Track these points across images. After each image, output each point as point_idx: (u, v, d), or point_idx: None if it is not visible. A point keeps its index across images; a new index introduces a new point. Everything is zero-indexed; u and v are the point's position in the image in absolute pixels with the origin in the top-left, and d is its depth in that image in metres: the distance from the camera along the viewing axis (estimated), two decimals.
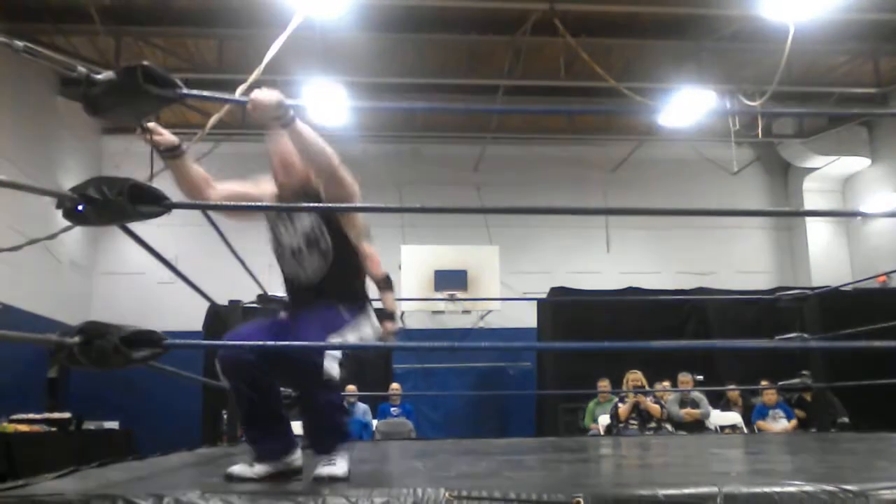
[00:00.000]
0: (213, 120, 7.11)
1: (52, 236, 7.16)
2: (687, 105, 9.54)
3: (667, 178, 11.95)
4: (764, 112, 10.47)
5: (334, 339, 2.53)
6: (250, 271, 4.52)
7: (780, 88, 8.78)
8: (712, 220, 11.48)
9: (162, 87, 2.46)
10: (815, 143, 11.55)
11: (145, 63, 2.58)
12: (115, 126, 10.50)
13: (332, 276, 2.68)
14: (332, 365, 2.52)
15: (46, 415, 7.84)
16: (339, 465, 2.51)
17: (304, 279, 2.71)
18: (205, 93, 2.55)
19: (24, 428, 7.11)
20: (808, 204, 11.97)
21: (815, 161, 11.71)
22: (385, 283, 4.44)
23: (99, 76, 2.28)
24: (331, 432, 2.58)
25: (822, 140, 11.50)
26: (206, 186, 2.69)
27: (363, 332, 2.70)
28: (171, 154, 2.60)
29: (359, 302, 2.75)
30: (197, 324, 8.15)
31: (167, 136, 2.59)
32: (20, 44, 2.02)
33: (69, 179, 10.12)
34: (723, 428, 7.88)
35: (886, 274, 9.54)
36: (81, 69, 2.20)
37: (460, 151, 11.97)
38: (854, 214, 13.38)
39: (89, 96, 2.39)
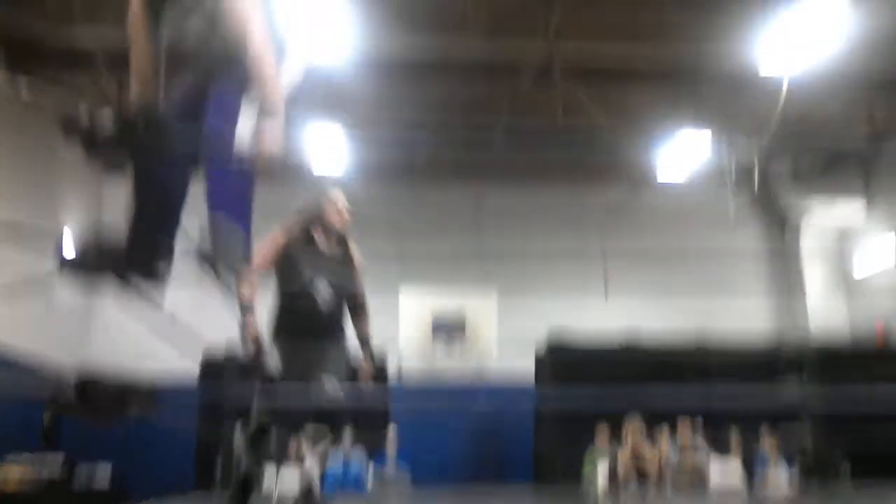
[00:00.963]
0: None
1: (49, 275, 7.14)
2: (684, 151, 9.62)
3: (664, 223, 11.98)
4: (759, 157, 10.55)
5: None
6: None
7: (776, 136, 8.87)
8: (712, 265, 11.50)
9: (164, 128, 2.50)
10: (811, 190, 11.61)
11: (147, 106, 2.61)
12: (117, 166, 10.54)
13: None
14: (245, 135, 2.45)
15: (39, 455, 7.73)
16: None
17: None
18: None
19: (14, 475, 7.02)
20: (806, 251, 11.99)
21: (812, 208, 11.76)
22: (359, 308, 4.38)
23: (102, 120, 2.31)
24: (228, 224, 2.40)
25: (819, 187, 11.57)
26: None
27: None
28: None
29: None
30: (194, 367, 8.11)
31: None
32: (26, 88, 2.05)
33: (70, 220, 10.15)
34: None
35: (886, 331, 9.53)
36: (84, 113, 2.23)
37: (458, 194, 12.01)
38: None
39: (91, 140, 2.42)
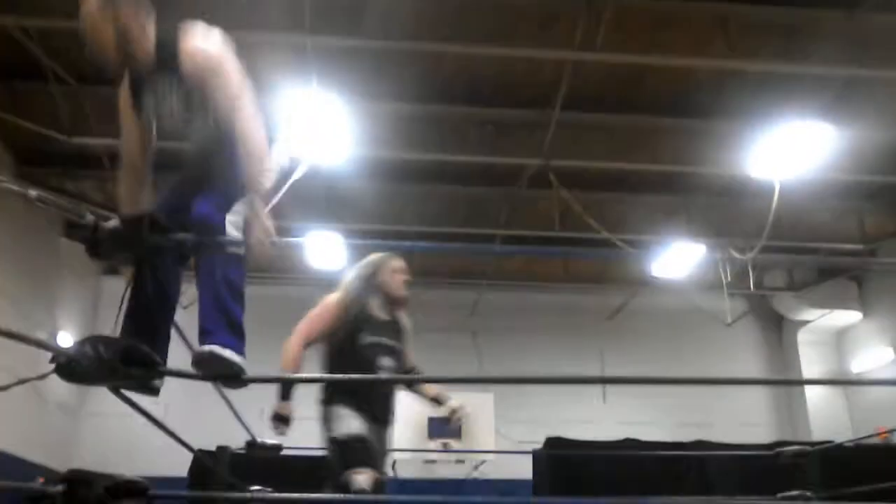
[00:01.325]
0: None
1: (42, 377, 7.09)
2: (679, 257, 9.73)
3: (662, 328, 12.00)
4: (754, 265, 10.66)
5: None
6: (240, 418, 4.45)
7: (769, 243, 8.99)
8: (710, 372, 11.45)
9: (164, 235, 2.56)
10: (806, 296, 11.69)
11: (153, 212, 2.68)
12: (115, 267, 10.65)
13: None
14: (234, 228, 2.40)
15: None
16: (227, 353, 2.27)
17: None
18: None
19: None
20: (804, 357, 11.97)
21: (808, 314, 11.81)
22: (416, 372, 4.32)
23: (107, 224, 2.37)
24: (221, 318, 2.34)
25: (813, 293, 11.64)
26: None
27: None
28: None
29: None
30: (184, 468, 7.92)
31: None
32: (34, 193, 2.11)
33: (68, 319, 10.14)
34: None
35: (889, 432, 9.39)
36: (90, 216, 2.29)
37: (457, 297, 12.07)
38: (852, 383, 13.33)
39: (94, 241, 2.47)
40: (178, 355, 2.82)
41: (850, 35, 6.73)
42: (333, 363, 3.96)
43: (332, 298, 4.07)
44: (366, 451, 3.68)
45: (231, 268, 2.44)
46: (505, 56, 7.17)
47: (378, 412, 3.88)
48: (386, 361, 4.00)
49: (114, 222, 2.52)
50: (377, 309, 4.08)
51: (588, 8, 6.46)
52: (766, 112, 7.51)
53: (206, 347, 2.29)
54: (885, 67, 6.90)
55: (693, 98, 7.94)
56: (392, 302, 4.15)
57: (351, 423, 3.71)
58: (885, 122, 8.03)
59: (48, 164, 8.70)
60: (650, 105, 8.06)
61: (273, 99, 6.90)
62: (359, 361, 3.86)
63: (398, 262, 4.23)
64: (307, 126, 6.96)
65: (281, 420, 3.79)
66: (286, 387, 3.84)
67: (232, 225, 2.48)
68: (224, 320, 2.39)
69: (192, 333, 2.57)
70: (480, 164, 8.89)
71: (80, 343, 2.03)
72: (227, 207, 2.50)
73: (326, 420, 3.81)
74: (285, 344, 3.87)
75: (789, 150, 7.38)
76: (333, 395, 3.85)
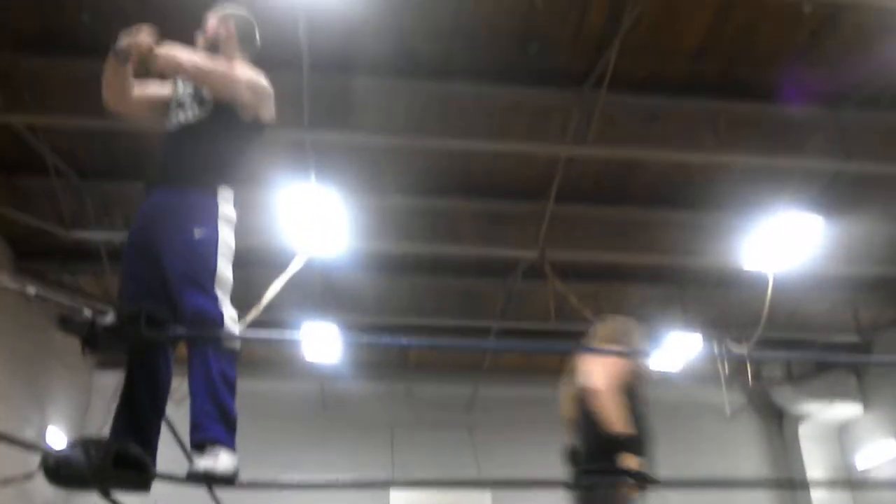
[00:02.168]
0: None
1: (29, 476, 6.92)
2: (675, 348, 9.68)
3: (661, 421, 11.69)
4: (750, 358, 10.62)
5: None
6: None
7: (766, 335, 8.98)
8: (710, 467, 11.20)
9: (160, 329, 2.54)
10: (805, 388, 11.57)
11: (149, 306, 2.67)
12: (108, 361, 10.53)
13: None
14: (232, 322, 2.33)
15: None
16: (220, 460, 2.16)
17: None
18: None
19: None
20: (806, 452, 11.75)
21: (808, 406, 11.65)
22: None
23: (103, 319, 2.36)
24: (216, 411, 2.26)
25: (812, 386, 11.52)
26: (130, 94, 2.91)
27: None
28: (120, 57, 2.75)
29: None
30: None
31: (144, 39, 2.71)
32: (32, 290, 2.11)
33: (58, 413, 9.96)
34: None
35: None
36: (87, 312, 2.28)
37: (453, 392, 11.90)
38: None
39: (90, 337, 2.45)
40: (168, 442, 2.76)
41: (835, 130, 6.91)
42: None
43: (621, 361, 4.16)
44: None
45: (227, 362, 2.42)
46: (499, 150, 7.32)
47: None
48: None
49: (110, 317, 2.51)
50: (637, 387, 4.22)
51: (580, 103, 6.64)
52: (757, 204, 7.64)
53: (202, 466, 2.24)
54: (870, 161, 7.06)
55: (685, 190, 8.07)
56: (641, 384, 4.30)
57: None
58: (874, 215, 8.15)
59: (46, 257, 8.72)
60: (643, 197, 8.18)
61: (272, 193, 7.02)
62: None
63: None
64: (305, 219, 7.05)
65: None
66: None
67: (230, 319, 2.47)
68: (218, 413, 2.36)
69: (185, 426, 2.53)
70: (475, 256, 8.94)
71: (72, 445, 1.98)
72: (216, 296, 2.50)
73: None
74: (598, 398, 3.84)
75: (781, 241, 7.47)
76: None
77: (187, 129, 2.84)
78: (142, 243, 2.72)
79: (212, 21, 3.01)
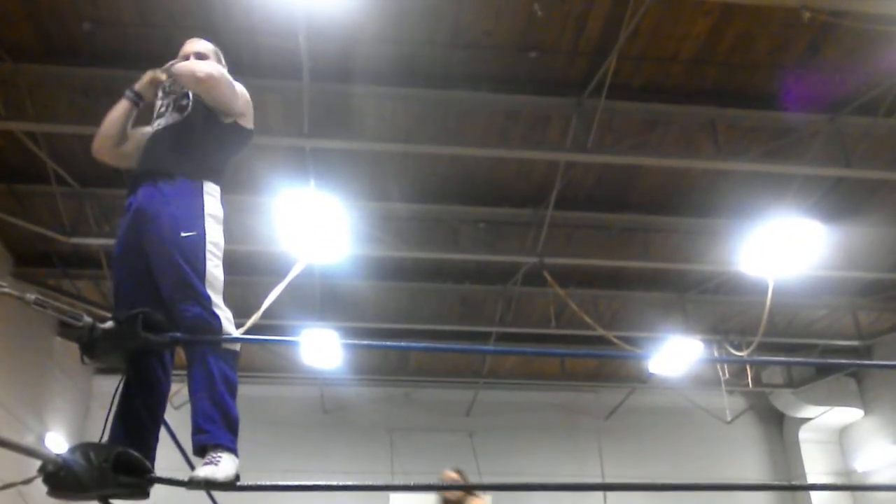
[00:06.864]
0: None
1: (28, 481, 6.91)
2: (676, 354, 9.69)
3: (661, 427, 11.81)
4: (751, 362, 10.62)
5: None
6: None
7: (766, 339, 8.98)
8: (711, 472, 11.21)
9: (159, 333, 2.55)
10: (805, 393, 11.57)
11: (147, 311, 2.68)
12: (107, 367, 10.54)
13: None
14: (228, 323, 2.33)
15: None
16: (222, 466, 2.14)
17: None
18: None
19: None
20: (806, 456, 11.74)
21: (808, 411, 11.66)
22: None
23: (102, 325, 2.37)
24: (217, 413, 2.25)
25: (813, 391, 11.53)
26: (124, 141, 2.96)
27: None
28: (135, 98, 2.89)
29: None
30: None
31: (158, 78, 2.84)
32: (31, 297, 2.12)
33: (58, 419, 9.96)
34: None
35: None
36: (87, 319, 2.29)
37: (452, 396, 11.92)
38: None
39: (90, 343, 2.46)
40: (168, 445, 2.77)
41: (834, 136, 6.92)
42: None
43: None
44: None
45: (227, 363, 2.42)
46: (498, 157, 7.33)
47: None
48: None
49: (109, 323, 2.52)
50: None
51: (579, 110, 6.65)
52: (757, 210, 7.64)
53: (202, 474, 2.22)
54: (869, 167, 7.06)
55: (684, 196, 8.08)
56: None
57: None
58: (874, 220, 8.16)
59: (47, 263, 8.74)
60: (642, 203, 8.18)
61: (272, 199, 7.03)
62: None
63: None
64: (305, 226, 7.05)
65: None
66: None
67: (227, 321, 2.48)
68: (219, 415, 2.36)
69: (184, 431, 2.54)
70: (475, 262, 8.95)
71: (72, 450, 1.99)
72: (208, 298, 2.50)
73: None
74: None
75: (781, 246, 7.47)
76: None
77: (168, 129, 2.88)
78: (130, 248, 2.73)
79: (188, 47, 3.09)
